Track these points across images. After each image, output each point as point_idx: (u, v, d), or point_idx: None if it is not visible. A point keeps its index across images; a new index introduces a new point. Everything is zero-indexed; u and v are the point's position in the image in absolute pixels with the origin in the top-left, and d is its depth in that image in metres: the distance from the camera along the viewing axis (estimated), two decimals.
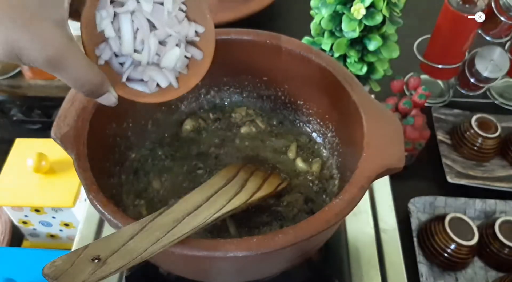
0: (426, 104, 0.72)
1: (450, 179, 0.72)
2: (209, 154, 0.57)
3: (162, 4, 0.39)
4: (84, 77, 0.33)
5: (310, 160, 0.56)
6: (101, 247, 0.34)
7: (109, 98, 0.36)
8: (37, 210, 0.63)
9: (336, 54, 0.65)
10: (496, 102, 0.86)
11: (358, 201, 0.40)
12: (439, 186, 0.74)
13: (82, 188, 0.48)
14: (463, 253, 0.63)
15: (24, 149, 0.64)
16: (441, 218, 0.65)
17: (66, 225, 0.65)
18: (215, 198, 0.42)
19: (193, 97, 0.60)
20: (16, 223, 0.66)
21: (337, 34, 0.64)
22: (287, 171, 0.55)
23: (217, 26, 0.43)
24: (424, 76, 0.83)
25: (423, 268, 0.63)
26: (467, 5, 0.72)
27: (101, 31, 0.36)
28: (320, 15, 0.64)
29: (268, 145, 0.58)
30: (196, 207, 0.40)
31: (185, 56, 0.41)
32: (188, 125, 0.59)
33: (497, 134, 0.75)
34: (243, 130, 0.59)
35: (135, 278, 0.55)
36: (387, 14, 0.61)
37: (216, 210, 0.41)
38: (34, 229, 0.67)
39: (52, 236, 0.68)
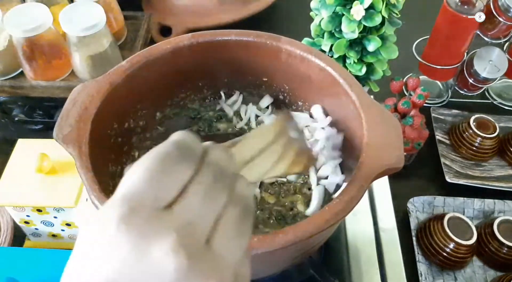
0: (425, 105, 0.73)
1: (449, 179, 0.72)
2: None
3: None
4: None
5: None
6: None
7: None
8: (39, 210, 0.63)
9: (336, 55, 0.66)
10: (494, 102, 0.87)
11: (358, 201, 0.40)
12: (438, 185, 0.74)
13: (84, 188, 0.49)
14: (462, 252, 0.63)
15: (26, 149, 0.64)
16: (440, 217, 0.65)
17: (68, 225, 0.66)
18: (265, 156, 0.39)
19: (193, 97, 0.60)
20: (18, 223, 0.67)
21: (337, 35, 0.65)
22: None
23: (217, 27, 0.44)
24: (423, 77, 0.83)
25: (422, 267, 0.63)
26: (465, 6, 0.72)
27: None
28: (320, 16, 0.64)
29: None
30: (251, 157, 0.37)
31: None
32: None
33: (495, 134, 0.75)
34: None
35: None
36: (386, 15, 0.61)
37: (265, 170, 0.38)
38: (36, 229, 0.68)
39: (54, 235, 0.69)
